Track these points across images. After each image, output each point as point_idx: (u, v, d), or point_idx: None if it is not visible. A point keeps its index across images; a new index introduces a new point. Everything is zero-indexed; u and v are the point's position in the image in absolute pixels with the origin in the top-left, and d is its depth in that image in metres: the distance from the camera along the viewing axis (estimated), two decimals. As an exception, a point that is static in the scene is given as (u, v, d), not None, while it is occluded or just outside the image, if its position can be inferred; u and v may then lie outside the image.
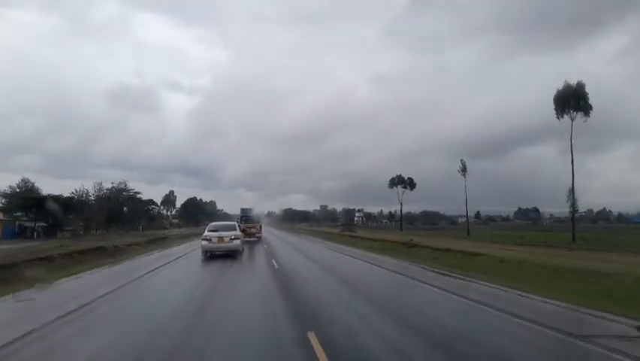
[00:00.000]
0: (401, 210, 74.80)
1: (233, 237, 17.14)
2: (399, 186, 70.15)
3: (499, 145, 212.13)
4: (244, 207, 38.34)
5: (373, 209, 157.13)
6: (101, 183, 53.86)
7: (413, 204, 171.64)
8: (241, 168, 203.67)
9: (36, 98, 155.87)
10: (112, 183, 54.95)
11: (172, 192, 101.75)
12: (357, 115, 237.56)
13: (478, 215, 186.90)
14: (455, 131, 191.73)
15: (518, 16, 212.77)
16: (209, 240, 16.92)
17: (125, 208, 58.56)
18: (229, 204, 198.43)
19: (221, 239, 16.88)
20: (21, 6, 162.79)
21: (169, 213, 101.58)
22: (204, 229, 18.96)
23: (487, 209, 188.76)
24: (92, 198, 52.75)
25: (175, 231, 56.70)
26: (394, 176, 70.12)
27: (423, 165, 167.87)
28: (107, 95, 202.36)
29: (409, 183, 69.95)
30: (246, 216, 35.10)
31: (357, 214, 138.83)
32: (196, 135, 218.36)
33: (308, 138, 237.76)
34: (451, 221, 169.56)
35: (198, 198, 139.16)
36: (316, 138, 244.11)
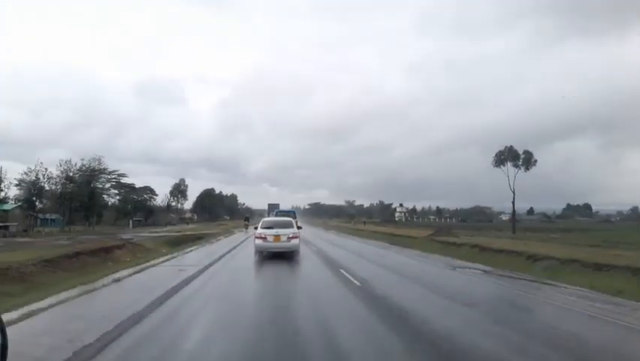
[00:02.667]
0: (513, 204, 51.83)
1: (291, 235, 14.71)
2: (508, 164, 46.87)
3: (534, 139, 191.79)
4: (271, 202, 41.78)
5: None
6: (70, 161, 37.72)
7: (438, 200, 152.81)
8: (264, 162, 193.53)
9: (60, 91, 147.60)
10: (81, 159, 38.64)
11: (183, 180, 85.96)
12: (384, 108, 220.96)
13: (531, 211, 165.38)
14: (487, 124, 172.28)
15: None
16: (264, 238, 14.60)
17: (106, 196, 42.15)
18: (251, 198, 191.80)
19: (277, 237, 14.55)
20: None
21: (179, 205, 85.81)
22: (256, 225, 16.99)
23: (518, 205, 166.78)
24: (57, 180, 36.64)
25: (175, 229, 40.16)
26: (502, 149, 47.14)
27: (453, 160, 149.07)
28: (131, 88, 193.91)
29: (525, 161, 46.37)
30: (280, 211, 30.50)
31: (398, 209, 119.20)
32: (219, 129, 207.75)
33: (332, 132, 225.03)
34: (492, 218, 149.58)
35: (217, 191, 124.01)
36: (341, 133, 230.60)
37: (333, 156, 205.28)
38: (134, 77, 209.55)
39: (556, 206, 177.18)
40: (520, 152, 48.27)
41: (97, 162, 39.28)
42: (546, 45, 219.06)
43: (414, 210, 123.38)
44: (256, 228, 15.64)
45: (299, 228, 16.86)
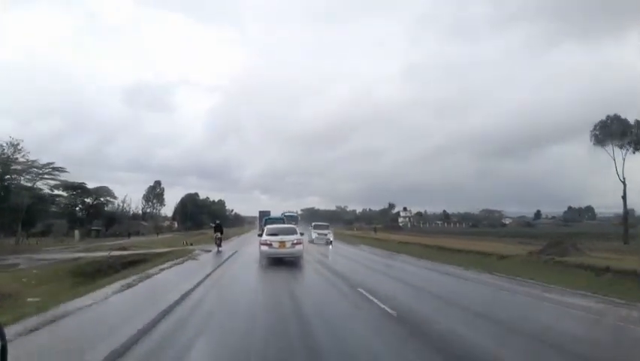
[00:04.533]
0: (624, 200, 38.91)
1: (295, 241, 15.56)
2: (612, 144, 34.07)
3: (527, 143, 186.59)
4: (262, 209, 42.51)
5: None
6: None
7: (430, 204, 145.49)
8: (255, 169, 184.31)
9: (50, 98, 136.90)
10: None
11: (159, 183, 74.67)
12: (377, 113, 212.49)
13: (538, 215, 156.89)
14: (482, 127, 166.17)
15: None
16: (270, 245, 15.36)
17: (35, 197, 30.99)
18: (241, 205, 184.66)
19: (282, 244, 15.38)
20: (35, 6, 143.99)
21: (154, 211, 74.45)
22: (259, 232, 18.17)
23: (511, 210, 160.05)
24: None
25: (136, 243, 29.40)
26: (604, 118, 33.54)
27: (446, 164, 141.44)
28: (116, 94, 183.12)
29: (638, 136, 32.70)
30: (270, 218, 27.09)
31: (402, 214, 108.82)
32: (208, 136, 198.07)
33: (324, 138, 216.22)
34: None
35: (204, 196, 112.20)
36: (332, 139, 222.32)
37: (325, 162, 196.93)
38: (121, 83, 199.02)
39: (556, 209, 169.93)
40: (632, 122, 34.13)
41: (13, 149, 28.18)
42: (542, 48, 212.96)
43: (419, 214, 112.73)
44: (260, 235, 16.01)
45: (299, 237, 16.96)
